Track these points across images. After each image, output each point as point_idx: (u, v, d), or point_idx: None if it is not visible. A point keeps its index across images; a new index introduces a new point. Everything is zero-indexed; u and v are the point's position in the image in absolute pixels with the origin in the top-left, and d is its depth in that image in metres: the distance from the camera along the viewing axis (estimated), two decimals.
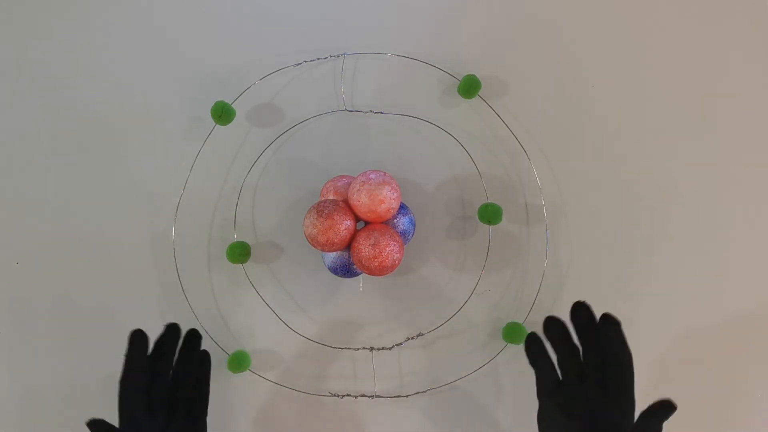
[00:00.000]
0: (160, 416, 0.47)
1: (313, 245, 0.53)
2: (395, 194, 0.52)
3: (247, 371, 0.59)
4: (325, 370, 0.60)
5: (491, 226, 0.60)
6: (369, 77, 0.62)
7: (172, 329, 0.50)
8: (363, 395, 0.59)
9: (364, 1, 0.63)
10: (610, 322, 0.47)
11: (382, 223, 0.54)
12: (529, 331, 0.51)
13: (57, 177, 0.62)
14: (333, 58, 0.62)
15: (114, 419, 0.47)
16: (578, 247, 0.61)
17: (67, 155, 0.62)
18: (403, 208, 0.57)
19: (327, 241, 0.52)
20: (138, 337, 0.48)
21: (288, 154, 0.62)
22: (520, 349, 0.60)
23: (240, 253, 0.59)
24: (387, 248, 0.51)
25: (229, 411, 0.60)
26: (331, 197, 0.55)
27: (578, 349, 0.49)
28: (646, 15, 0.63)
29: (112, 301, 0.61)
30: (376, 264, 0.51)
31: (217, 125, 0.60)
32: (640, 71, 0.62)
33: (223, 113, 0.59)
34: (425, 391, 0.59)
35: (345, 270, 0.55)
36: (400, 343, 0.60)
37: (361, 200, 0.52)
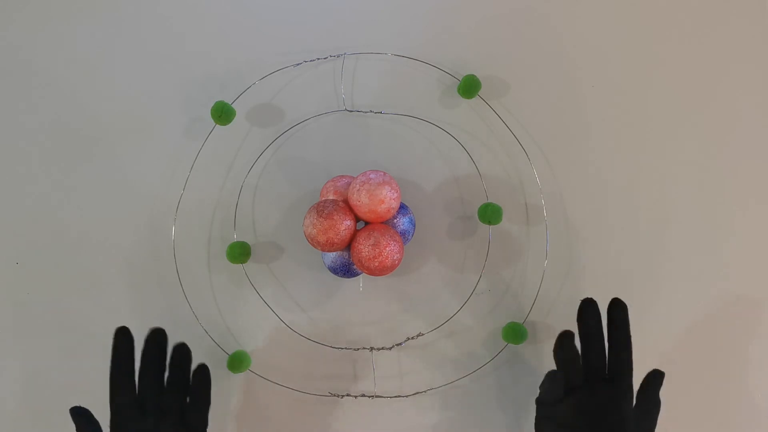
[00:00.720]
0: (150, 417, 0.47)
1: (313, 245, 0.53)
2: (395, 194, 0.52)
3: (247, 371, 0.59)
4: (325, 370, 0.60)
5: (491, 226, 0.60)
6: (369, 77, 0.62)
7: (155, 333, 0.49)
8: (363, 395, 0.59)
9: (364, 1, 0.63)
10: (618, 307, 0.49)
11: (382, 223, 0.54)
12: (559, 343, 0.51)
13: (56, 177, 0.62)
14: (333, 58, 0.62)
15: None
16: (578, 247, 0.61)
17: (67, 155, 0.62)
18: (403, 208, 0.57)
19: (327, 241, 0.52)
20: (121, 334, 0.48)
21: (288, 154, 0.62)
22: (520, 349, 0.60)
23: (240, 253, 0.59)
24: (387, 248, 0.51)
25: (229, 411, 0.60)
26: (331, 197, 0.55)
27: (580, 357, 0.50)
28: (647, 15, 0.63)
29: (112, 301, 0.61)
30: (376, 264, 0.51)
31: (217, 125, 0.60)
32: (640, 71, 0.62)
33: (223, 113, 0.59)
34: (425, 391, 0.59)
35: (345, 270, 0.55)
36: (400, 343, 0.60)
37: (361, 200, 0.52)
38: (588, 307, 0.50)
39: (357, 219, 0.54)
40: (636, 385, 0.49)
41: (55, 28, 0.63)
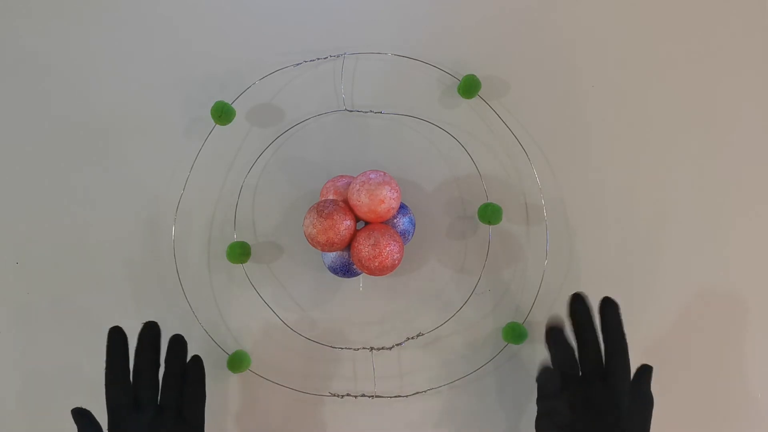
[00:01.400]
0: (147, 413, 0.47)
1: (313, 245, 0.53)
2: (395, 194, 0.52)
3: (247, 371, 0.59)
4: (325, 370, 0.60)
5: (491, 226, 0.60)
6: (369, 77, 0.62)
7: (149, 326, 0.49)
8: (363, 395, 0.59)
9: (364, 1, 0.63)
10: (609, 305, 0.49)
11: (382, 223, 0.54)
12: (547, 337, 0.52)
13: (56, 177, 0.62)
14: (333, 58, 0.62)
15: None
16: (578, 247, 0.61)
17: (67, 155, 0.62)
18: (403, 208, 0.57)
19: (327, 241, 0.52)
20: (114, 333, 0.48)
21: (288, 154, 0.62)
22: (520, 349, 0.60)
23: (240, 253, 0.59)
24: (387, 248, 0.51)
25: (229, 411, 0.60)
26: (331, 197, 0.55)
27: (573, 349, 0.50)
28: (647, 15, 0.63)
29: (112, 301, 0.61)
30: (376, 264, 0.51)
31: (217, 125, 0.60)
32: (641, 71, 0.62)
33: (223, 113, 0.59)
34: (425, 391, 0.59)
35: (345, 270, 0.55)
36: (400, 343, 0.60)
37: (361, 200, 0.52)
38: (577, 302, 0.50)
39: (357, 219, 0.54)
40: None
41: (55, 28, 0.63)
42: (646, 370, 0.49)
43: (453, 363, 0.60)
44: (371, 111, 0.62)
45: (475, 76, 0.60)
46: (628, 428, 0.47)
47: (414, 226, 0.57)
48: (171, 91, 0.62)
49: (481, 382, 0.60)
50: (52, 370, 0.60)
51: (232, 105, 0.60)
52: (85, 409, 0.48)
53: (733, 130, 0.61)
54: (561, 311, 0.59)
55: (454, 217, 0.61)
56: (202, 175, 0.61)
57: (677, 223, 0.61)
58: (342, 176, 0.57)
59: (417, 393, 0.59)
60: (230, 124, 0.60)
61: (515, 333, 0.57)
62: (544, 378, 0.51)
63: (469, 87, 0.60)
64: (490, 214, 0.58)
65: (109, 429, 0.47)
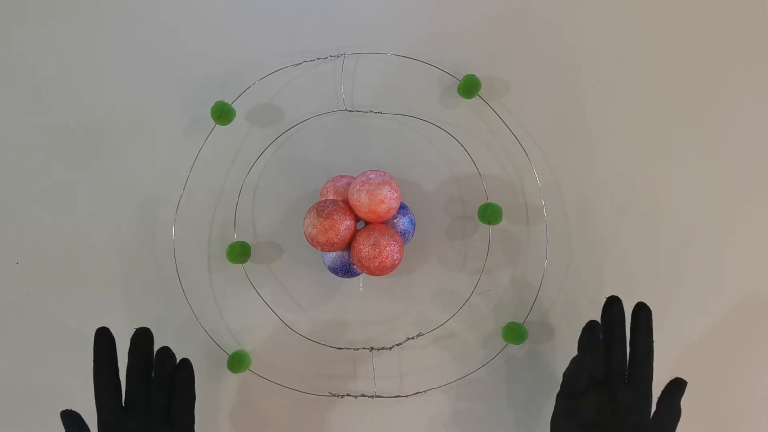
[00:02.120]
0: (136, 415, 0.47)
1: (313, 245, 0.53)
2: (395, 194, 0.52)
3: (247, 371, 0.59)
4: (325, 370, 0.60)
5: (491, 226, 0.60)
6: (369, 77, 0.62)
7: (141, 332, 0.49)
8: (363, 395, 0.59)
9: (364, 1, 0.63)
10: (643, 310, 0.50)
11: (382, 223, 0.54)
12: (589, 322, 0.51)
13: (57, 177, 0.62)
14: (333, 58, 0.62)
15: None
16: (578, 247, 0.61)
17: (67, 155, 0.62)
18: (403, 208, 0.57)
19: (327, 241, 0.52)
20: (101, 334, 0.48)
21: (288, 154, 0.62)
22: (519, 349, 0.60)
23: (240, 253, 0.59)
24: (387, 248, 0.51)
25: (228, 411, 0.60)
26: (331, 197, 0.55)
27: (602, 352, 0.50)
28: (647, 15, 0.63)
29: (112, 301, 0.61)
30: (376, 264, 0.51)
31: (217, 125, 0.60)
32: (641, 71, 0.62)
33: (223, 113, 0.59)
34: (425, 391, 0.59)
35: (345, 270, 0.55)
36: (400, 343, 0.60)
37: (361, 200, 0.52)
38: (614, 305, 0.50)
39: (357, 219, 0.54)
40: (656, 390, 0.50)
41: (55, 28, 0.63)
42: (679, 384, 0.49)
43: (453, 363, 0.60)
44: (371, 111, 0.62)
45: (475, 76, 0.60)
46: None
47: (414, 226, 0.57)
48: (171, 91, 0.62)
49: (481, 382, 0.60)
50: (52, 370, 0.60)
51: (232, 105, 0.60)
52: (74, 412, 0.48)
53: (735, 130, 0.61)
54: (561, 311, 0.60)
55: (454, 217, 0.61)
56: (202, 175, 0.61)
57: (677, 223, 0.61)
58: (342, 176, 0.57)
59: (417, 393, 0.59)
60: (230, 124, 0.60)
61: (515, 333, 0.57)
62: (574, 376, 0.50)
63: (469, 87, 0.60)
64: (490, 214, 0.58)
65: (98, 430, 0.47)
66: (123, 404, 0.48)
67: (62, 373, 0.60)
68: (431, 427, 0.60)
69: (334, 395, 0.59)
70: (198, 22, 0.63)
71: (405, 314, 0.61)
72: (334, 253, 0.55)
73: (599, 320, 0.51)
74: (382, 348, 0.60)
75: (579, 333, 0.51)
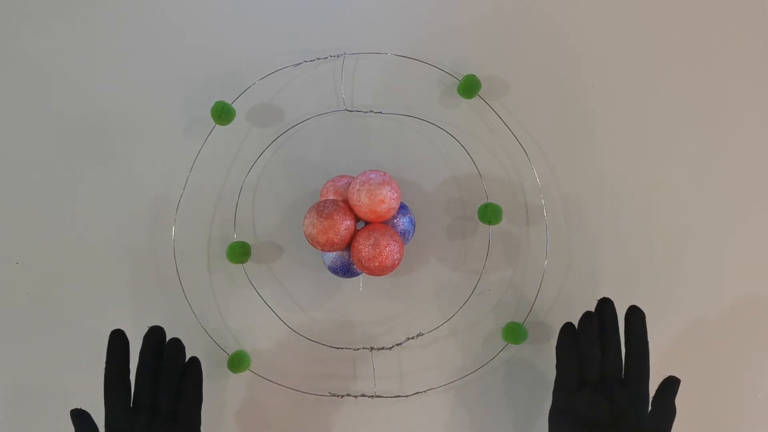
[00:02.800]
0: (144, 416, 0.47)
1: (313, 245, 0.53)
2: (395, 194, 0.52)
3: (247, 371, 0.59)
4: (325, 370, 0.60)
5: (491, 226, 0.60)
6: (369, 77, 0.62)
7: (154, 331, 0.49)
8: (363, 395, 0.59)
9: (364, 1, 0.63)
10: (636, 313, 0.50)
11: (382, 223, 0.54)
12: (565, 322, 0.51)
13: (56, 177, 0.62)
14: (333, 58, 0.62)
15: None
16: (578, 247, 0.61)
17: (67, 155, 0.62)
18: (403, 208, 0.57)
19: (327, 241, 0.52)
20: (116, 336, 0.48)
21: (288, 154, 0.62)
22: (520, 349, 0.60)
23: (240, 253, 0.59)
24: (387, 248, 0.51)
25: (228, 411, 0.60)
26: (331, 197, 0.55)
27: (600, 349, 0.50)
28: (647, 15, 0.63)
29: (112, 301, 0.61)
30: (376, 264, 0.51)
31: (217, 125, 0.60)
32: (641, 71, 0.62)
33: (223, 113, 0.59)
34: (425, 391, 0.59)
35: (345, 270, 0.55)
36: (400, 343, 0.60)
37: (361, 200, 0.52)
38: (606, 305, 0.51)
39: (357, 219, 0.54)
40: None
41: (55, 28, 0.63)
42: (673, 383, 0.49)
43: (453, 363, 0.60)
44: (371, 111, 0.62)
45: (475, 76, 0.60)
46: None
47: (414, 226, 0.57)
48: (171, 91, 0.62)
49: (481, 382, 0.60)
50: (52, 370, 0.60)
51: (232, 105, 0.60)
52: (83, 411, 0.48)
53: (735, 130, 0.61)
54: (561, 312, 0.60)
55: (454, 217, 0.61)
56: (202, 175, 0.61)
57: (677, 223, 0.61)
58: (342, 176, 0.57)
59: (417, 393, 0.59)
60: (230, 124, 0.60)
61: (515, 333, 0.57)
62: (563, 370, 0.50)
63: (469, 87, 0.60)
64: (490, 214, 0.58)
65: (105, 430, 0.47)
66: (131, 405, 0.48)
67: (62, 372, 0.60)
68: (431, 427, 0.60)
69: (334, 395, 0.59)
70: (198, 22, 0.63)
71: (405, 314, 0.61)
72: (334, 253, 0.55)
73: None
74: (382, 348, 0.60)
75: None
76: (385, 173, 0.53)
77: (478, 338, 0.60)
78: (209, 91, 0.62)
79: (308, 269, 0.61)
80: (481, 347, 0.60)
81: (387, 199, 0.52)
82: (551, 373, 0.52)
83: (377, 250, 0.51)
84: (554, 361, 0.51)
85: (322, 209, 0.52)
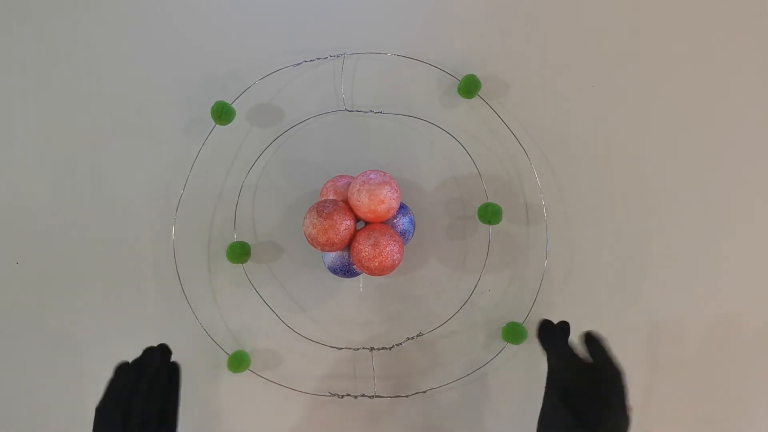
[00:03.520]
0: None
1: (313, 245, 0.53)
2: (395, 194, 0.52)
3: (247, 371, 0.59)
4: (325, 370, 0.60)
5: (491, 226, 0.60)
6: (369, 77, 0.62)
7: (149, 353, 0.48)
8: (363, 395, 0.59)
9: (364, 1, 0.63)
10: (592, 340, 0.47)
11: (382, 223, 0.54)
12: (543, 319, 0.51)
13: (57, 177, 0.62)
14: (333, 58, 0.62)
15: None
16: (578, 247, 0.61)
17: (67, 155, 0.62)
18: (403, 208, 0.57)
19: (327, 241, 0.52)
20: (120, 370, 0.47)
21: (288, 154, 0.62)
22: (519, 349, 0.60)
23: (240, 253, 0.59)
24: (387, 248, 0.51)
25: (228, 411, 0.60)
26: (331, 197, 0.55)
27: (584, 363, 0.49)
28: (647, 15, 0.63)
29: (112, 301, 0.61)
30: (376, 264, 0.51)
31: (217, 125, 0.60)
32: (641, 71, 0.62)
33: (223, 113, 0.59)
34: (425, 391, 0.59)
35: (345, 270, 0.55)
36: (400, 343, 0.60)
37: (361, 200, 0.52)
38: (590, 342, 0.48)
39: (357, 219, 0.54)
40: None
41: (57, 28, 0.63)
42: (592, 336, 0.47)
43: (453, 363, 0.60)
44: (371, 111, 0.62)
45: (475, 76, 0.60)
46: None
47: (414, 226, 0.57)
48: (171, 91, 0.62)
49: (481, 382, 0.60)
50: (52, 369, 0.60)
51: (232, 105, 0.60)
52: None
53: (736, 131, 0.61)
54: (561, 312, 0.60)
55: (454, 217, 0.61)
56: (202, 175, 0.61)
57: (677, 223, 0.61)
58: (342, 176, 0.57)
59: (417, 393, 0.59)
60: (230, 124, 0.60)
61: (515, 333, 0.57)
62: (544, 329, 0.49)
63: (469, 87, 0.60)
64: (490, 214, 0.58)
65: None
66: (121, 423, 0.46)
67: (62, 372, 0.60)
68: (431, 427, 0.60)
69: (334, 395, 0.59)
70: (198, 22, 0.63)
71: (405, 314, 0.61)
72: (334, 253, 0.55)
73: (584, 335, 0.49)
74: (382, 348, 0.60)
75: (579, 333, 0.51)
76: (385, 173, 0.53)
77: (478, 338, 0.60)
78: (209, 91, 0.62)
79: (308, 269, 0.61)
80: (481, 347, 0.60)
81: (387, 199, 0.52)
82: None
83: (377, 250, 0.51)
84: None
85: (322, 209, 0.52)
